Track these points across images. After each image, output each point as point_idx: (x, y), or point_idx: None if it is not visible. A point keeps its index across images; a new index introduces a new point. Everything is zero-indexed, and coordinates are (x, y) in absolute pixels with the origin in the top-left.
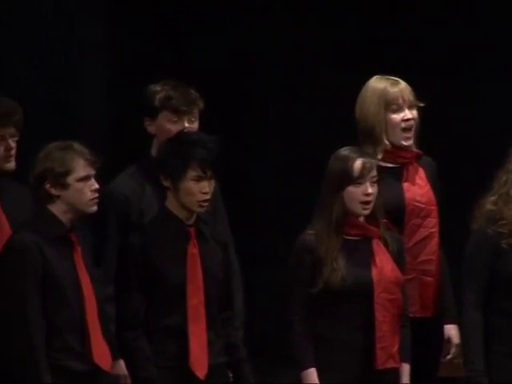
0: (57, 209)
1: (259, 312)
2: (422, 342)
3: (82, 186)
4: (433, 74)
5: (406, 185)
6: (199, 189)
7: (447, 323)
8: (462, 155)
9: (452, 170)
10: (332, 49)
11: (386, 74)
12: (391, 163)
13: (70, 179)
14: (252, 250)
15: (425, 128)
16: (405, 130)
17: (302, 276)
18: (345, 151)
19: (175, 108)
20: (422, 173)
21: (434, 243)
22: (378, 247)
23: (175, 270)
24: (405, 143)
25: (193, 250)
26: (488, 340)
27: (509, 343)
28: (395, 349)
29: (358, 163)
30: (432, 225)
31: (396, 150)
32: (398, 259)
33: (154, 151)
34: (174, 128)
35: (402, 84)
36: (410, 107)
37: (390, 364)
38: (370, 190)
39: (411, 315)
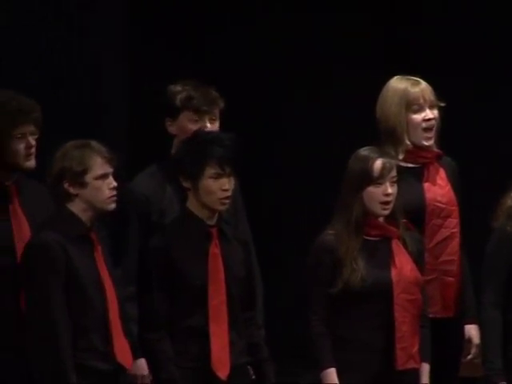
0: (76, 207)
1: (278, 311)
2: (443, 342)
3: (100, 184)
4: (451, 74)
5: (426, 185)
6: (219, 186)
7: (468, 323)
8: (481, 155)
9: (472, 169)
10: (351, 48)
11: (406, 74)
12: (412, 163)
13: (88, 177)
14: (270, 250)
15: (445, 128)
16: (426, 129)
17: (321, 276)
18: (365, 151)
19: (196, 108)
20: (442, 173)
21: (456, 243)
22: (397, 247)
23: (197, 271)
24: (426, 143)
25: (214, 250)
26: (507, 339)
27: None
28: (415, 349)
29: (378, 163)
30: (453, 225)
31: (417, 150)
32: (418, 259)
33: (174, 151)
34: (195, 128)
35: (423, 84)
36: (431, 107)
37: (410, 364)
38: (389, 191)
39: (432, 316)
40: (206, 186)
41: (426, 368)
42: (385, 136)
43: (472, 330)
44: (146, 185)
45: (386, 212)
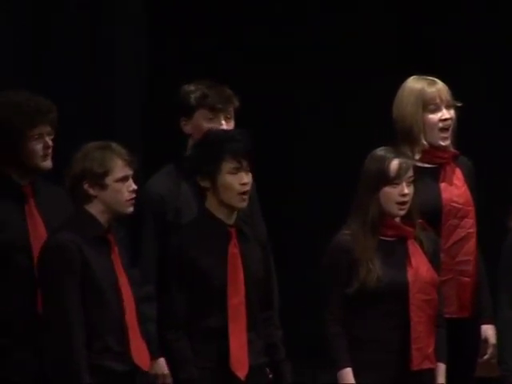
0: (94, 209)
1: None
2: (460, 342)
3: (121, 186)
4: (468, 74)
5: (443, 185)
6: (237, 181)
7: (484, 323)
8: (498, 155)
9: (488, 170)
10: (369, 48)
11: (422, 74)
12: (428, 163)
13: (109, 180)
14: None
15: (461, 128)
16: (442, 129)
17: (337, 276)
18: (381, 151)
19: (211, 106)
20: (459, 173)
21: (472, 244)
22: (413, 248)
23: (216, 271)
24: (442, 143)
25: (233, 249)
26: None
27: None
28: (431, 349)
29: (394, 163)
30: (469, 225)
31: (433, 150)
32: (434, 260)
33: (189, 151)
34: (210, 126)
35: (440, 84)
36: (448, 107)
37: (426, 365)
38: (406, 191)
39: (448, 316)
40: (224, 181)
41: (442, 368)
42: (401, 136)
43: (488, 330)
44: (161, 184)
45: (403, 212)
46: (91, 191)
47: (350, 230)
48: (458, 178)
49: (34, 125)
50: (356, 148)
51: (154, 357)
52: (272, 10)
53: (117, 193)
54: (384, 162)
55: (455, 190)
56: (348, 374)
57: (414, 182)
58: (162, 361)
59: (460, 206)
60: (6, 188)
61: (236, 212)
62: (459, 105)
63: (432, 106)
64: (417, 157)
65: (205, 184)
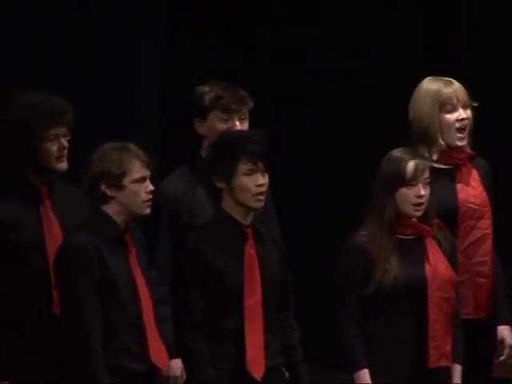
0: (111, 210)
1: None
2: (476, 343)
3: (138, 187)
4: (487, 74)
5: (459, 186)
6: (253, 182)
7: (500, 324)
8: None
9: (505, 171)
10: (388, 49)
11: (439, 75)
12: (445, 164)
13: (126, 181)
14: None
15: (478, 129)
16: (459, 130)
17: (354, 277)
18: (397, 152)
19: (226, 107)
20: (475, 174)
21: (488, 245)
22: (431, 245)
23: (233, 271)
24: (459, 143)
25: (250, 250)
26: None
27: None
28: (448, 348)
29: (410, 165)
30: (486, 226)
31: (450, 151)
32: (451, 260)
33: (203, 152)
34: (224, 127)
35: (456, 84)
36: (464, 107)
37: (443, 362)
38: (422, 192)
39: (465, 317)
40: (240, 183)
41: (458, 369)
42: (418, 137)
43: (505, 331)
44: (176, 185)
45: (419, 213)
46: (108, 192)
47: (367, 231)
48: (474, 178)
49: (49, 126)
50: (369, 149)
51: (169, 357)
52: (286, 11)
53: (134, 194)
54: (400, 163)
55: (472, 190)
56: (365, 374)
57: (431, 183)
58: (175, 362)
59: (476, 207)
60: (22, 189)
61: (252, 212)
62: (476, 105)
63: (448, 107)
64: (434, 157)
65: (221, 185)
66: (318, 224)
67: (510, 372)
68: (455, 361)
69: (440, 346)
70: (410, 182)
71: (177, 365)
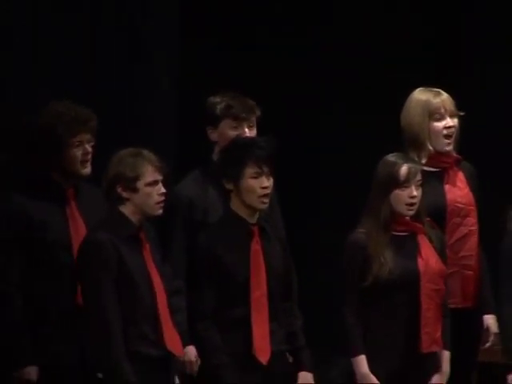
0: (127, 210)
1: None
2: (463, 330)
3: (151, 190)
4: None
5: (447, 187)
6: (259, 184)
7: (486, 313)
8: (500, 158)
9: (489, 173)
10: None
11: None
12: (434, 167)
13: (140, 184)
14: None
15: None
16: (446, 136)
17: (353, 271)
18: (392, 157)
19: (235, 115)
20: (461, 176)
21: (474, 240)
22: (423, 241)
23: (240, 267)
24: (447, 148)
25: (256, 246)
26: None
27: None
28: (438, 334)
29: (404, 168)
30: (471, 223)
31: (438, 155)
32: (441, 255)
33: (215, 156)
34: (234, 134)
35: (444, 95)
36: (451, 116)
37: (434, 348)
38: (415, 193)
39: (453, 306)
40: (246, 185)
41: (446, 355)
42: (408, 143)
43: (490, 320)
44: (190, 188)
45: (412, 212)
46: (124, 194)
47: (364, 229)
48: (460, 180)
49: (74, 133)
50: (369, 149)
51: (183, 345)
52: (293, 12)
53: (147, 196)
54: (394, 167)
55: (458, 191)
56: (362, 360)
57: (421, 184)
58: (190, 348)
59: (462, 206)
60: (51, 191)
61: (258, 212)
62: (462, 114)
63: (437, 115)
64: (423, 161)
65: (229, 186)
66: (317, 224)
67: (494, 356)
68: (443, 347)
69: (431, 332)
70: (404, 184)
71: (191, 351)
